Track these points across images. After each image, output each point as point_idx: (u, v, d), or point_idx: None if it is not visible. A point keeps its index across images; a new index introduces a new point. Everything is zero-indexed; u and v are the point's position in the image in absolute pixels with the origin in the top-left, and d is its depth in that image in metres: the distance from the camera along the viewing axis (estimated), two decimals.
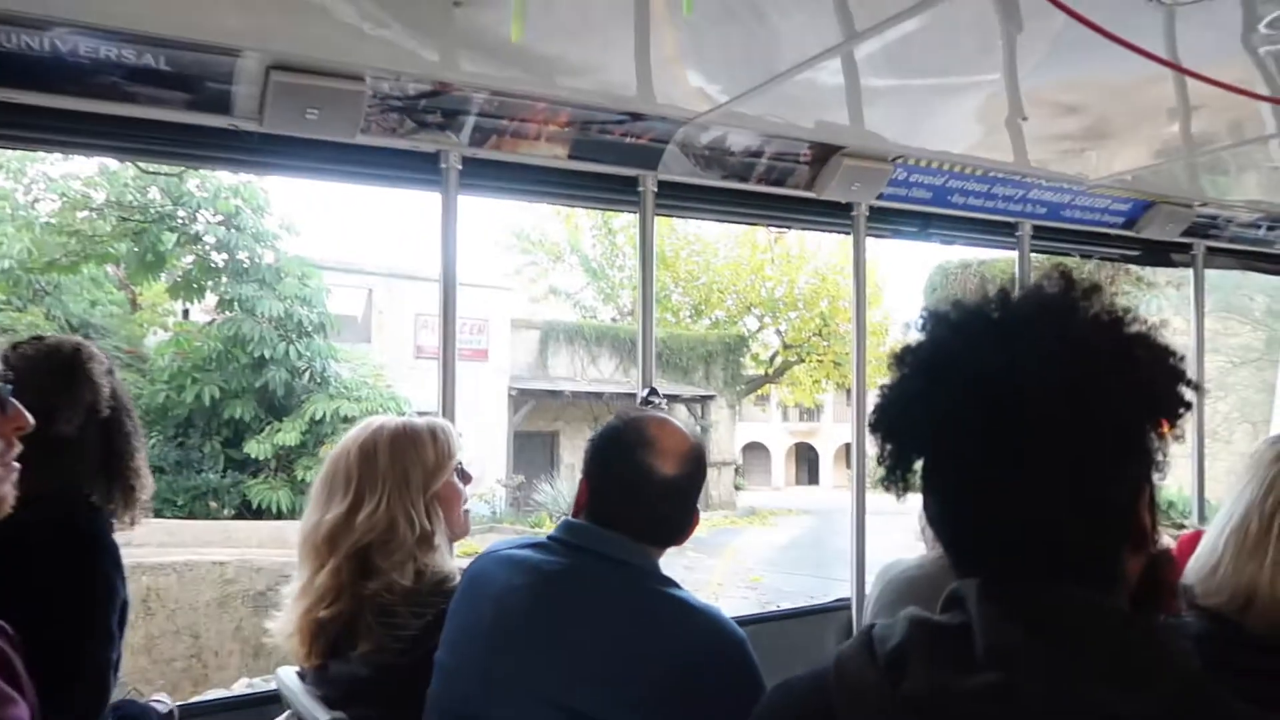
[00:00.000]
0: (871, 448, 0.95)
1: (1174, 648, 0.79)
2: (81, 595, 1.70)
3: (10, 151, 12.65)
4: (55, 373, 1.81)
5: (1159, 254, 4.41)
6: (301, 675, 1.95)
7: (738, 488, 26.02)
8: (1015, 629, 0.78)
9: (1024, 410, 0.81)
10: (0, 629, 0.92)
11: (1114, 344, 0.85)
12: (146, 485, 1.93)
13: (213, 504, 12.46)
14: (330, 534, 1.84)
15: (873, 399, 0.97)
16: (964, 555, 0.88)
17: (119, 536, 1.86)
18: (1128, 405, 0.83)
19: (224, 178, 13.06)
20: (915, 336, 0.92)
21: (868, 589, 2.71)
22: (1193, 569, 1.50)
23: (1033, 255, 3.96)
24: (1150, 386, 0.85)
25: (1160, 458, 0.86)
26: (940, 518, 0.89)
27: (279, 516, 11.88)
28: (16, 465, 1.16)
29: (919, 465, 0.90)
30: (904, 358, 0.91)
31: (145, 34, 2.16)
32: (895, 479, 0.90)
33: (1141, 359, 0.85)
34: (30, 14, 2.06)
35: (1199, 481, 4.24)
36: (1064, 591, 0.81)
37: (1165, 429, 0.86)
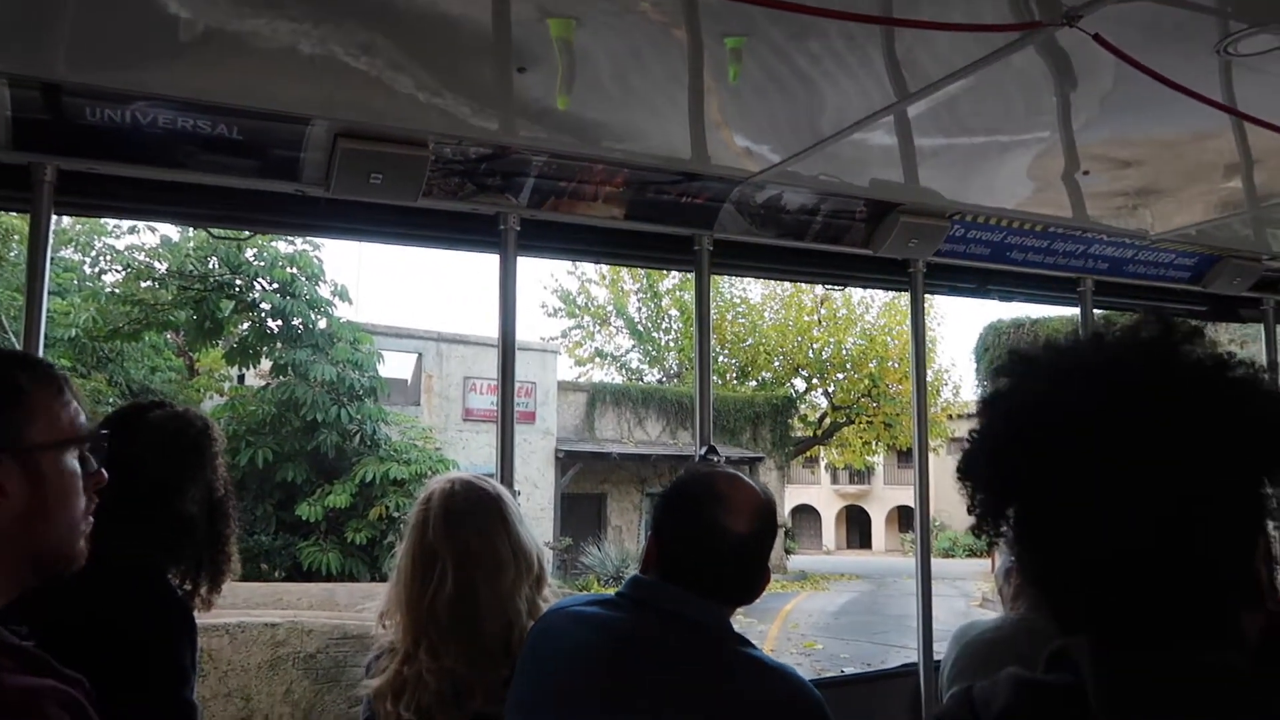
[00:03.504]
0: (960, 496, 0.90)
1: None
2: (169, 674, 1.68)
3: (79, 226, 13.18)
4: (186, 449, 1.81)
5: (1227, 309, 4.31)
6: None
7: (788, 551, 25.62)
8: (1134, 690, 0.74)
9: (1122, 451, 0.77)
10: (79, 682, 0.91)
11: (1218, 388, 0.81)
12: (235, 569, 1.92)
13: (264, 566, 12.53)
14: None
15: (956, 447, 0.94)
16: (1068, 612, 0.83)
17: None
18: (1234, 450, 0.79)
19: (280, 247, 13.44)
20: (1003, 381, 0.89)
21: (936, 654, 2.62)
22: None
23: (1095, 312, 3.89)
24: (1258, 433, 0.80)
25: (1275, 506, 0.81)
26: (1040, 573, 0.85)
27: (328, 578, 11.90)
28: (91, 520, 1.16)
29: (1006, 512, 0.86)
30: (993, 402, 0.88)
31: (221, 104, 2.25)
32: (987, 527, 0.86)
33: (1248, 405, 0.81)
34: (112, 88, 2.15)
35: None
36: (1182, 651, 0.76)
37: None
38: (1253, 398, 0.81)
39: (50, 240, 2.34)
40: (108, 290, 13.37)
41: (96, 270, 13.63)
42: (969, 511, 0.88)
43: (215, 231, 10.81)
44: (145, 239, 13.45)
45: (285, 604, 7.62)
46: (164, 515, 1.75)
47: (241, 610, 6.78)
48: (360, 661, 1.96)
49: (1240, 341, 11.39)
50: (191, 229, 12.57)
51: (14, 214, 9.32)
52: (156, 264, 13.37)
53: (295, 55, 2.02)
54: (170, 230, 13.35)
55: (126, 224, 13.21)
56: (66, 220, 12.81)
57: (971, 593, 18.33)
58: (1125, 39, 1.92)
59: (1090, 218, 3.39)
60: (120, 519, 1.65)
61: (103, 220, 12.86)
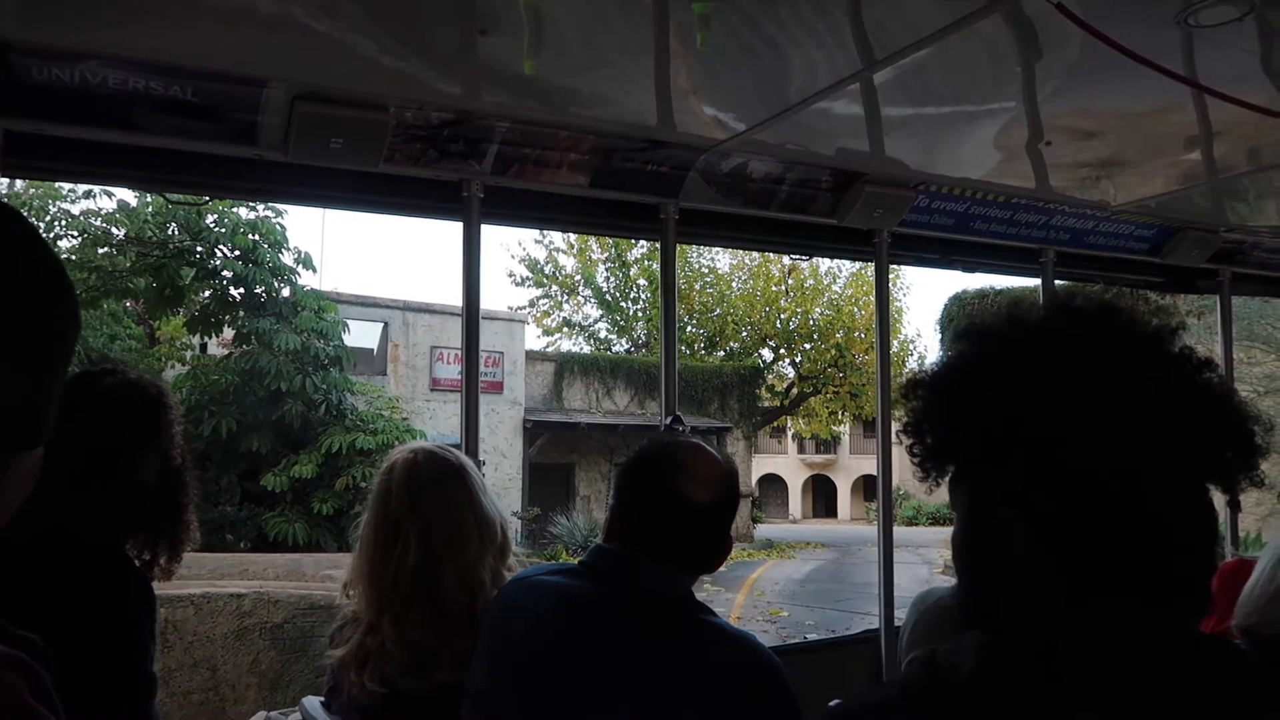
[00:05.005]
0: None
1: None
2: (127, 646, 1.66)
3: (32, 190, 12.85)
4: (141, 417, 1.77)
5: (1184, 280, 4.38)
6: (326, 705, 1.92)
7: (755, 520, 25.86)
8: (1106, 650, 0.76)
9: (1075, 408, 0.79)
10: (30, 642, 0.88)
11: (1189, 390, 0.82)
12: (194, 539, 1.89)
13: (229, 536, 12.43)
14: None
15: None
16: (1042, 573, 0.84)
17: None
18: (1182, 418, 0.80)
19: (242, 213, 13.20)
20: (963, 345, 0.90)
21: (897, 620, 2.66)
22: (1249, 599, 1.46)
23: (1057, 282, 3.94)
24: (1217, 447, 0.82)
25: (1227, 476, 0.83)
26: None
27: (294, 549, 11.83)
28: None
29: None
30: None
31: (174, 65, 2.19)
32: (929, 472, 0.89)
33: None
34: (62, 46, 2.09)
35: (1233, 512, 4.17)
36: (1153, 614, 0.78)
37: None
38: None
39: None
40: (64, 257, 13.06)
41: (52, 236, 13.30)
42: (910, 452, 0.89)
43: (172, 196, 10.63)
44: (102, 204, 13.14)
45: (251, 575, 7.57)
46: (119, 485, 1.73)
47: (207, 581, 6.73)
48: (327, 632, 1.96)
49: (1198, 312, 11.59)
50: (149, 194, 12.31)
51: None
52: (114, 230, 13.06)
53: (252, 15, 1.96)
54: (128, 195, 13.04)
55: (81, 188, 12.90)
56: (19, 184, 12.49)
57: (934, 560, 18.63)
58: (1088, 9, 1.93)
59: (1053, 189, 3.42)
60: (74, 489, 1.62)
61: (56, 185, 12.55)
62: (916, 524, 30.70)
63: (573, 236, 26.70)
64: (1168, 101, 2.57)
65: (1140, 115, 2.75)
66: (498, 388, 19.28)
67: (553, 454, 20.77)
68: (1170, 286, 4.45)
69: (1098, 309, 0.85)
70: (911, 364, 26.81)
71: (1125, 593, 0.78)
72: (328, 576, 6.99)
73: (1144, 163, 3.19)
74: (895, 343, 25.49)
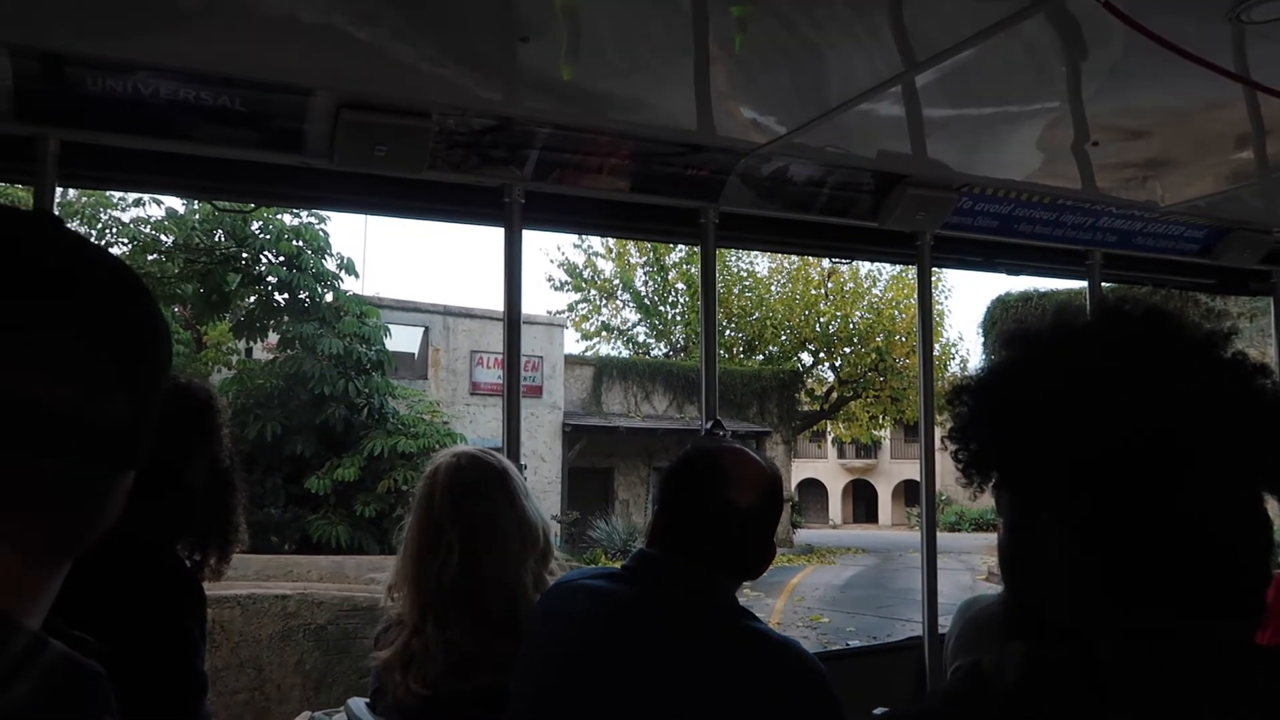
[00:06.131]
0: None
1: None
2: (178, 646, 1.68)
3: (85, 198, 13.16)
4: (190, 422, 1.79)
5: (1236, 282, 4.27)
6: (371, 706, 1.94)
7: (794, 525, 25.71)
8: (1149, 663, 0.74)
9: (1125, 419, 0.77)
10: (89, 644, 0.90)
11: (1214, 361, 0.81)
12: (243, 540, 1.92)
13: (274, 538, 12.62)
14: None
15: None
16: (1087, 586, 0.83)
17: None
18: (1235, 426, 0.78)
19: (286, 219, 13.42)
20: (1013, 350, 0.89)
21: (941, 628, 2.63)
22: None
23: (1104, 285, 3.87)
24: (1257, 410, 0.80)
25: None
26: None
27: (337, 551, 11.98)
28: None
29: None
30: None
31: (223, 75, 2.23)
32: (974, 478, 0.87)
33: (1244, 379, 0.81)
34: (115, 58, 2.14)
35: None
36: (1200, 627, 0.76)
37: None
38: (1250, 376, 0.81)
39: (55, 212, 2.33)
40: None
41: (103, 243, 13.63)
42: (955, 458, 0.88)
43: (219, 204, 10.82)
44: (151, 212, 13.43)
45: (295, 576, 7.68)
46: (170, 488, 1.76)
47: (253, 582, 6.84)
48: (369, 633, 1.98)
49: (1250, 314, 11.33)
50: (196, 201, 12.54)
51: (19, 186, 9.33)
52: (163, 237, 13.35)
53: (297, 25, 2.00)
54: (176, 203, 13.33)
55: (132, 196, 13.19)
56: (71, 192, 12.80)
57: (977, 567, 18.38)
58: (1136, 6, 1.89)
59: (1099, 190, 3.36)
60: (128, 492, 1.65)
61: (108, 193, 12.84)
62: (959, 530, 30.34)
63: (611, 241, 26.78)
64: (1218, 98, 2.51)
65: (1189, 113, 2.70)
66: (537, 392, 19.38)
67: (591, 458, 20.83)
68: (1221, 288, 4.35)
69: (1146, 314, 0.83)
70: (953, 368, 26.52)
71: (1174, 603, 0.77)
72: (371, 579, 7.07)
73: (1193, 162, 3.12)
74: (937, 346, 25.20)
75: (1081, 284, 3.93)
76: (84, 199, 13.19)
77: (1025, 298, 16.40)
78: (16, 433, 0.56)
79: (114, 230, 13.44)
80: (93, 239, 13.69)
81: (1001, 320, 16.68)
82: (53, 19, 1.96)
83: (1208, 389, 0.78)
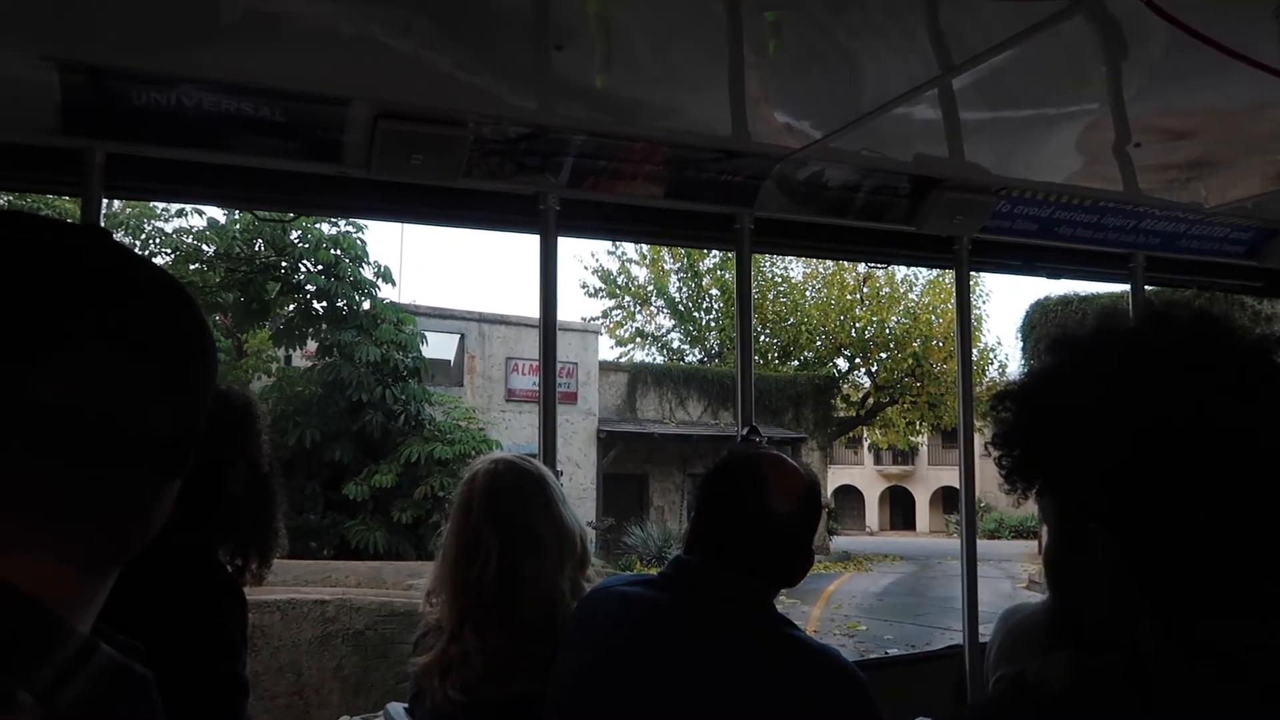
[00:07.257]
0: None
1: None
2: (220, 650, 1.70)
3: (129, 209, 13.43)
4: (230, 428, 1.80)
5: None
6: (410, 712, 1.95)
7: (831, 532, 25.53)
8: (1200, 669, 0.73)
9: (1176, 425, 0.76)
10: (133, 647, 0.91)
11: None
12: (283, 545, 1.93)
13: (313, 544, 12.76)
14: None
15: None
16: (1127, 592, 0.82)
17: None
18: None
19: (324, 228, 13.59)
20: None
21: (981, 636, 2.59)
22: None
23: (1147, 288, 3.80)
24: None
25: None
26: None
27: (375, 557, 12.09)
28: None
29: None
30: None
31: (264, 87, 2.27)
32: (1017, 485, 0.87)
33: None
34: (159, 71, 2.18)
35: None
36: (1253, 632, 0.75)
37: None
38: None
39: (101, 223, 2.38)
40: None
41: (147, 253, 13.91)
42: (998, 464, 0.87)
43: (260, 214, 10.99)
44: (193, 222, 13.71)
45: (334, 581, 7.75)
46: (211, 494, 1.78)
47: (292, 588, 6.91)
48: (407, 638, 1.99)
49: None
50: (237, 211, 12.75)
51: (66, 198, 9.53)
52: (204, 246, 13.61)
53: (334, 36, 2.02)
54: (217, 213, 13.58)
55: (174, 207, 13.46)
56: (116, 203, 13.06)
57: (1018, 574, 18.13)
58: (1178, 4, 1.86)
59: (1142, 191, 3.30)
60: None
61: (151, 203, 13.09)
62: (999, 537, 29.94)
63: (645, 247, 26.81)
64: (1264, 97, 2.46)
65: (1234, 113, 2.64)
66: (571, 398, 19.43)
67: (627, 464, 20.83)
68: (1269, 291, 4.25)
69: (1193, 318, 0.81)
70: (992, 373, 26.18)
71: (1224, 612, 0.75)
72: (409, 584, 7.12)
73: (1239, 162, 3.06)
74: (975, 351, 24.90)
75: (1122, 288, 3.86)
76: (128, 210, 13.46)
77: (1065, 301, 16.11)
78: (73, 444, 0.57)
79: (157, 240, 13.71)
80: (137, 249, 14.04)
81: (1041, 325, 16.42)
82: (98, 33, 2.01)
83: (1259, 395, 0.76)
